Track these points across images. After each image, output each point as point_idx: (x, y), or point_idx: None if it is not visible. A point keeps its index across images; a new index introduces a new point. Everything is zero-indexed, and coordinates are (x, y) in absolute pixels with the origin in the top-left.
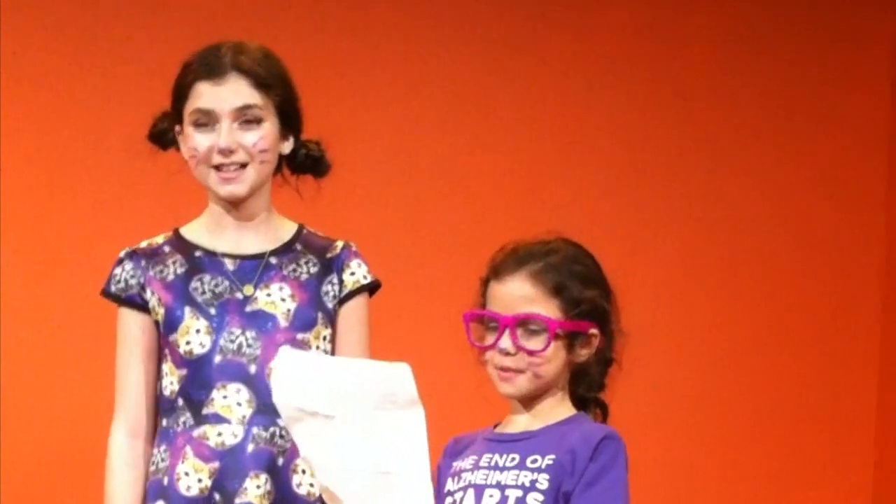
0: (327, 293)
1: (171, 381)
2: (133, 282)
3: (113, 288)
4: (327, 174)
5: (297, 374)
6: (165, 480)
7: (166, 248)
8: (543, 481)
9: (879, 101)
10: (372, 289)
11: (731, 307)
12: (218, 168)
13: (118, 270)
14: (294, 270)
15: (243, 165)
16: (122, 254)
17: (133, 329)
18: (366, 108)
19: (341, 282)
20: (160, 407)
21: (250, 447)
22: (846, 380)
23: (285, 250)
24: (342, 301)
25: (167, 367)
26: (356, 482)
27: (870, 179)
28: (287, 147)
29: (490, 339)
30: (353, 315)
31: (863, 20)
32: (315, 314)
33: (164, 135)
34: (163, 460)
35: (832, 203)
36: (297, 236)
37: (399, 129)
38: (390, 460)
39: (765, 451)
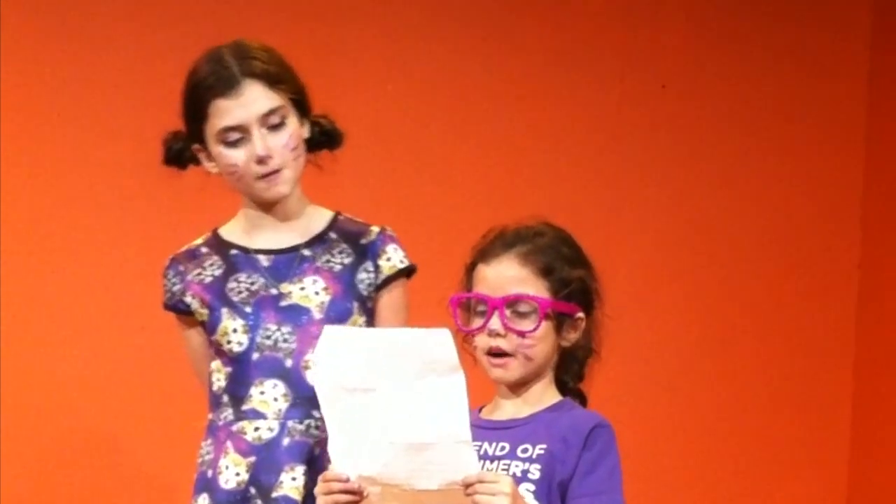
0: (362, 281)
1: (219, 377)
2: (175, 289)
3: (166, 301)
4: (342, 144)
5: (338, 352)
6: (209, 473)
7: (204, 250)
8: (535, 471)
9: (857, 90)
10: (409, 272)
11: (708, 297)
12: (259, 177)
13: (165, 282)
14: (327, 261)
15: (281, 169)
16: (166, 262)
17: (188, 336)
18: (341, 96)
19: (377, 268)
20: (209, 401)
21: (286, 441)
22: (822, 368)
23: (318, 241)
24: (379, 287)
25: (216, 364)
26: (396, 458)
27: (847, 169)
28: (306, 131)
29: (478, 323)
30: (394, 301)
31: (840, 9)
32: (350, 304)
33: (180, 155)
34: (208, 453)
35: (810, 192)
36: (331, 225)
37: (375, 116)
38: (431, 430)
39: (740, 441)
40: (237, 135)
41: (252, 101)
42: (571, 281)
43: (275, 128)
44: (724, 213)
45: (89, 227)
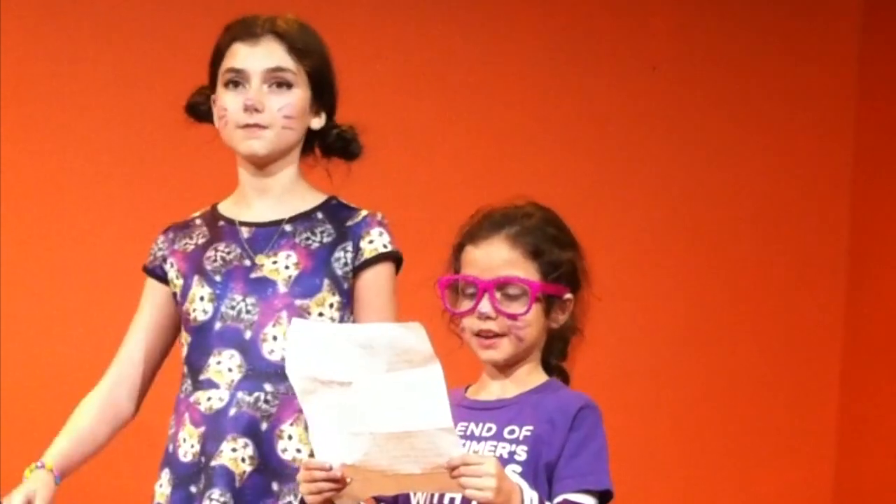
0: (338, 259)
1: (184, 349)
2: (159, 254)
3: (147, 262)
4: (358, 157)
5: (310, 345)
6: (171, 448)
7: (198, 222)
8: (522, 453)
9: (846, 76)
10: (396, 261)
11: (696, 283)
12: (241, 126)
13: (153, 246)
14: (307, 238)
15: (265, 128)
16: (162, 230)
17: (148, 299)
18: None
19: (357, 249)
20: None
21: (232, 411)
22: (810, 355)
23: (303, 218)
24: (359, 269)
25: (183, 336)
26: (378, 447)
27: (837, 156)
28: (317, 123)
29: (467, 305)
30: (373, 284)
31: None
32: (319, 281)
33: (197, 107)
34: (171, 427)
35: (798, 176)
36: (321, 206)
37: (363, 97)
38: (412, 420)
39: (727, 427)
40: (238, 78)
41: (265, 53)
42: (561, 264)
43: (279, 86)
44: (714, 196)
45: (89, 226)
